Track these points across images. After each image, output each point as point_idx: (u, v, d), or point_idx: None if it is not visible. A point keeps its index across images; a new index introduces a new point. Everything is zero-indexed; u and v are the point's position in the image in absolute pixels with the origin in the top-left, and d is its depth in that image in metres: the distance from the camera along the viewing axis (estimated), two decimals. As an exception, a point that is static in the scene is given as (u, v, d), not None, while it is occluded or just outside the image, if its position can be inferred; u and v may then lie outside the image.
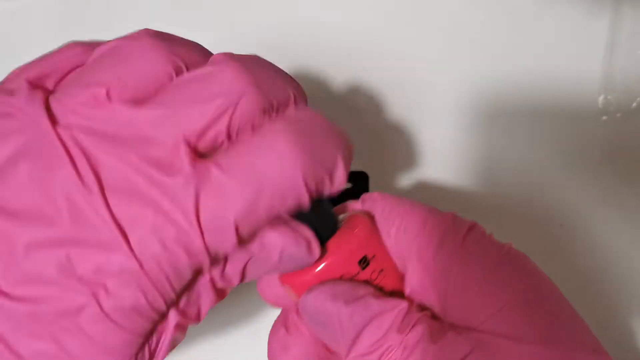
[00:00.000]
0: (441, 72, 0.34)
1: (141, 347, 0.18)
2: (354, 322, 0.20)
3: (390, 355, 0.20)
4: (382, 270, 0.22)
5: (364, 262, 0.22)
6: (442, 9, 0.36)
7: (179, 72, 0.18)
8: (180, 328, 0.19)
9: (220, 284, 0.19)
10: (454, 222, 0.23)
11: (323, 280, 0.21)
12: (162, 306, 0.18)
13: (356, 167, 0.33)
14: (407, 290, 0.22)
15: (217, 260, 0.19)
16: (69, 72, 0.19)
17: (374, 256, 0.22)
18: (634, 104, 0.34)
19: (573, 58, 0.35)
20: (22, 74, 0.19)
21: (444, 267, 0.22)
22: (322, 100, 0.34)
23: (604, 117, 0.34)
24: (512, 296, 0.21)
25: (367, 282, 0.22)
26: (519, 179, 0.33)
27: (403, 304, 0.21)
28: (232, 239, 0.18)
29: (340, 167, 0.19)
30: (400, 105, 0.34)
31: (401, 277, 0.23)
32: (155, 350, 0.19)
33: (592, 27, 0.35)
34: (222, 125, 0.18)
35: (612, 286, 0.31)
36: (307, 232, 0.20)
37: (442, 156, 0.33)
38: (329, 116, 0.34)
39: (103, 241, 0.17)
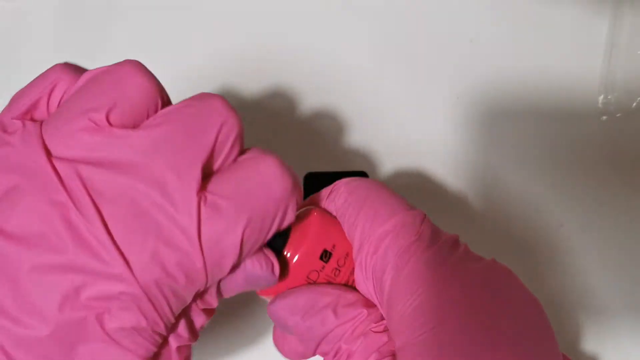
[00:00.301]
0: (441, 71, 0.34)
1: None
2: (312, 336, 0.22)
3: (335, 355, 0.22)
4: (347, 254, 0.23)
5: (325, 255, 0.23)
6: (442, 9, 0.36)
7: (163, 103, 0.19)
8: (183, 349, 0.20)
9: (201, 305, 0.20)
10: (404, 227, 0.22)
11: (290, 287, 0.23)
12: (162, 329, 0.19)
13: (357, 167, 0.33)
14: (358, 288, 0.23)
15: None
16: (60, 98, 0.20)
17: (334, 246, 0.23)
18: (634, 104, 0.34)
19: (573, 58, 0.35)
20: (13, 107, 0.19)
21: (380, 275, 0.21)
22: (323, 95, 0.34)
23: (604, 117, 0.34)
24: (440, 317, 0.20)
25: (335, 271, 0.23)
26: (518, 179, 0.33)
27: (361, 314, 0.22)
28: (233, 258, 0.19)
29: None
30: (400, 105, 0.34)
31: None
32: None
33: (592, 27, 0.35)
34: (219, 154, 0.19)
35: (612, 285, 0.31)
36: (271, 256, 0.21)
37: (442, 155, 0.33)
38: (331, 113, 0.34)
39: (106, 269, 0.17)
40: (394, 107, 0.34)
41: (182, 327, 0.20)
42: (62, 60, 0.35)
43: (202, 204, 0.18)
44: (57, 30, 0.35)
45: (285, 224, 0.20)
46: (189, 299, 0.19)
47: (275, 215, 0.19)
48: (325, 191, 0.24)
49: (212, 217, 0.18)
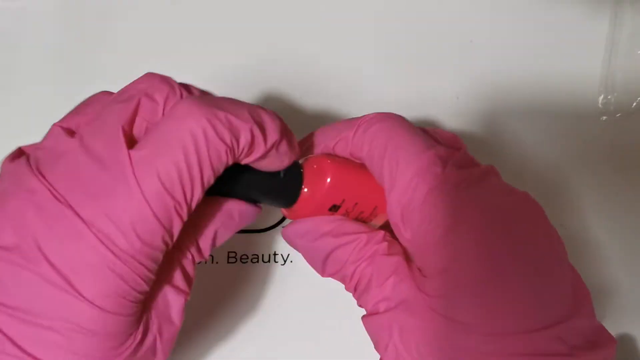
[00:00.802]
0: (441, 72, 0.34)
1: (135, 323, 0.20)
2: (315, 256, 0.25)
3: (349, 279, 0.24)
4: (356, 203, 0.24)
5: (334, 208, 0.24)
6: (442, 9, 0.36)
7: None
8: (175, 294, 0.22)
9: (198, 257, 0.23)
10: (428, 170, 0.22)
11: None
12: (140, 284, 0.20)
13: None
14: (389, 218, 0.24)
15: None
16: None
17: (343, 200, 0.24)
18: (634, 104, 0.34)
19: (573, 58, 0.35)
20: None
21: (408, 212, 0.23)
22: (322, 98, 0.34)
23: (604, 117, 0.34)
24: (465, 261, 0.21)
25: (345, 214, 0.25)
26: (518, 179, 0.33)
27: (360, 238, 0.24)
28: (180, 193, 0.20)
29: (266, 118, 0.21)
30: (400, 105, 0.34)
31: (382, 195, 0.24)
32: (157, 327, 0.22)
33: (592, 27, 0.35)
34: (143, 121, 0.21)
35: (612, 286, 0.31)
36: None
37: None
38: (330, 115, 0.34)
39: (70, 232, 0.19)
40: (394, 108, 0.34)
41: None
42: (61, 62, 0.35)
43: (134, 160, 0.20)
44: (57, 30, 0.35)
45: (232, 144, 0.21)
46: (159, 246, 0.20)
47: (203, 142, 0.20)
48: (348, 131, 0.25)
49: (144, 166, 0.19)
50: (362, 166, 0.25)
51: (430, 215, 0.22)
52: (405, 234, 0.23)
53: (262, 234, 0.32)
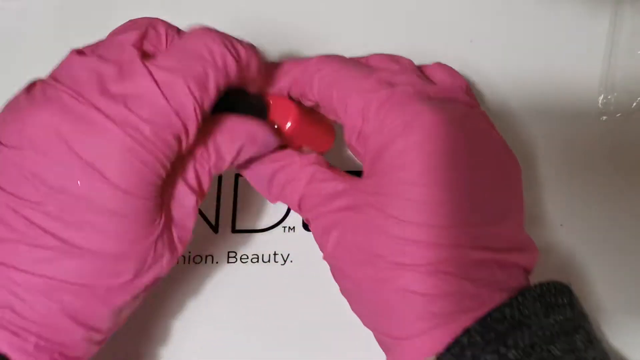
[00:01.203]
0: (441, 72, 0.34)
1: (157, 210, 0.23)
2: (263, 180, 0.28)
3: (291, 198, 0.27)
4: (302, 146, 0.28)
5: (283, 146, 0.28)
6: (441, 8, 0.36)
7: None
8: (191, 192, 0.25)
9: (216, 167, 0.25)
10: (371, 90, 0.25)
11: None
12: (157, 168, 0.23)
13: (358, 168, 0.33)
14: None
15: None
16: None
17: (292, 142, 0.28)
18: (634, 104, 0.34)
19: (573, 58, 0.35)
20: None
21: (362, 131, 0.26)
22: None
23: (604, 117, 0.34)
24: (407, 161, 0.24)
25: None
26: (519, 179, 0.33)
27: (294, 160, 0.27)
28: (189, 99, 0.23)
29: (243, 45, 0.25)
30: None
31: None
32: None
33: (592, 27, 0.35)
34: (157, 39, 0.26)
35: (612, 285, 0.31)
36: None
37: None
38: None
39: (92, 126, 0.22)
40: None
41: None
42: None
43: (153, 64, 0.23)
44: (57, 30, 0.35)
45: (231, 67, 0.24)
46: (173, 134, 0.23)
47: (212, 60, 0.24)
48: (298, 75, 0.28)
49: (164, 71, 0.23)
50: (318, 118, 0.29)
51: (381, 122, 0.24)
52: (361, 150, 0.26)
53: (262, 234, 0.32)
